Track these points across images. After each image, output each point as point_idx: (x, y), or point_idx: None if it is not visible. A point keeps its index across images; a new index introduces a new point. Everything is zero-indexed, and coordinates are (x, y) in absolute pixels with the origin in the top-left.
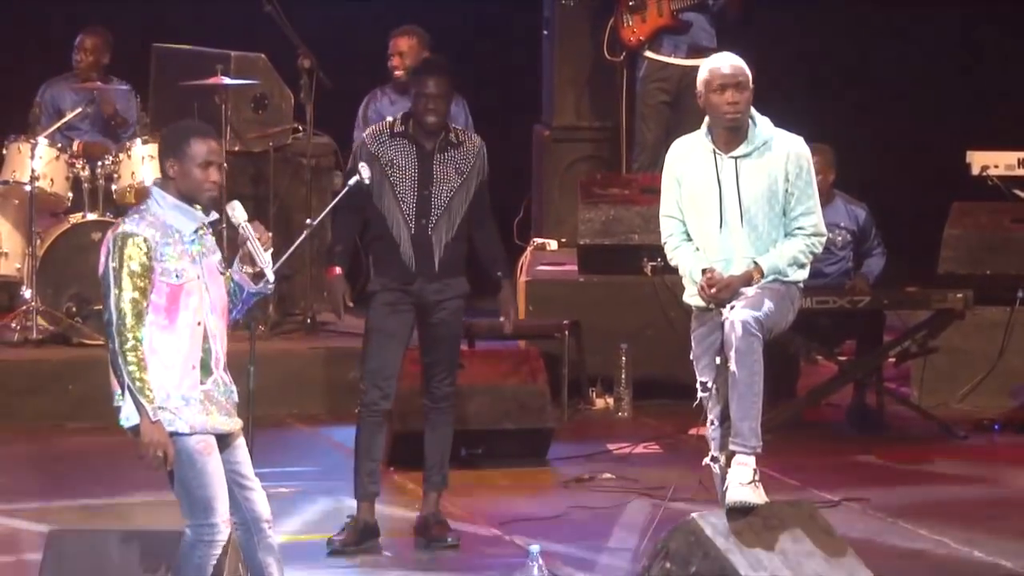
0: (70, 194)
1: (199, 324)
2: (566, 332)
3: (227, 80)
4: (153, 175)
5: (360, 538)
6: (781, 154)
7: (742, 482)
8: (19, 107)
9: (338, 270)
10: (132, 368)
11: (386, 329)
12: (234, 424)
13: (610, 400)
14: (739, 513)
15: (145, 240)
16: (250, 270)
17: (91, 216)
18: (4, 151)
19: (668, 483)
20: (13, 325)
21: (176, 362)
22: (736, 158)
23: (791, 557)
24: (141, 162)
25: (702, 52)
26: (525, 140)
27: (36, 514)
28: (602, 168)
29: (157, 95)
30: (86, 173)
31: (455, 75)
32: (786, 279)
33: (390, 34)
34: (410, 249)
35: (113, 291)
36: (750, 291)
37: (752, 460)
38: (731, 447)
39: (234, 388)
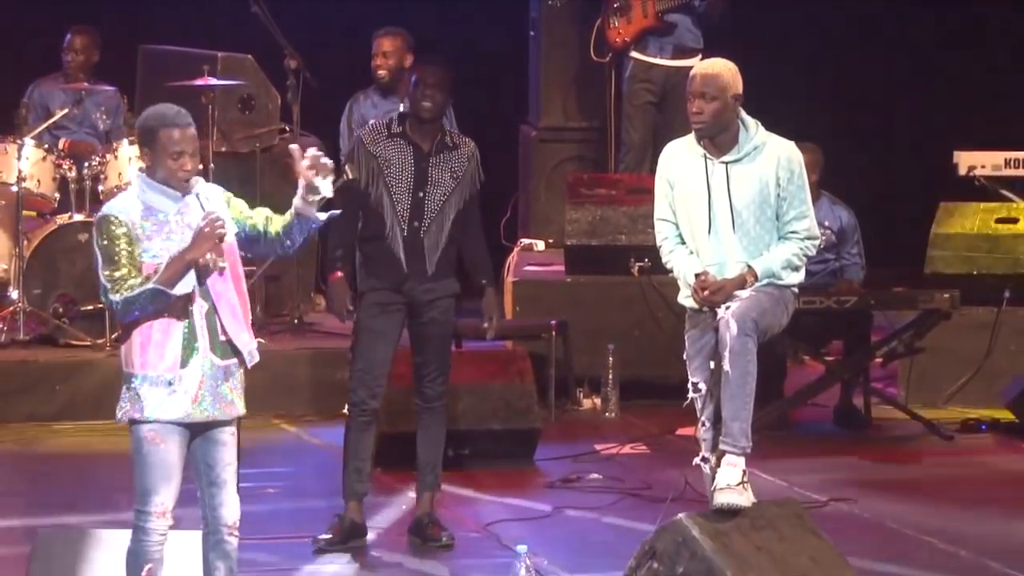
0: (57, 195)
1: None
2: (553, 332)
3: (214, 81)
4: None
5: (345, 537)
6: (772, 159)
7: (730, 484)
8: (4, 107)
9: (339, 274)
10: (134, 292)
11: (376, 328)
12: (218, 413)
13: (597, 400)
14: (726, 514)
15: (120, 220)
16: (315, 193)
17: (78, 217)
18: None
19: (654, 483)
20: (0, 326)
21: (153, 342)
22: (727, 163)
23: (778, 558)
24: (128, 163)
25: (687, 53)
26: (512, 140)
27: (23, 515)
28: (589, 168)
29: (144, 96)
30: (73, 174)
31: (454, 73)
32: (780, 282)
33: (374, 35)
34: (402, 252)
35: (103, 266)
36: (744, 294)
37: (741, 461)
38: (721, 447)
39: (237, 372)
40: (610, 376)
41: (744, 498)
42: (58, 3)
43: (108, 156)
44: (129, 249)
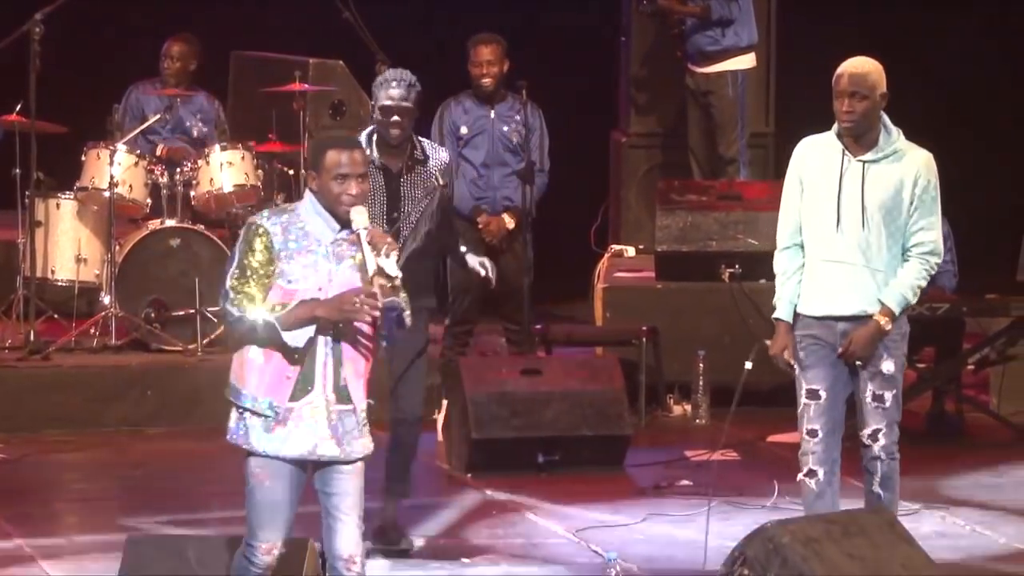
0: (149, 200)
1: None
2: (644, 339)
3: (305, 86)
4: (232, 182)
5: (387, 542)
6: (911, 166)
7: None
8: (97, 114)
9: None
10: (250, 315)
11: None
12: (329, 452)
13: (687, 407)
14: (818, 520)
15: (268, 232)
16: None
17: (169, 222)
18: (83, 157)
19: (745, 490)
20: (92, 331)
21: (271, 366)
22: (864, 162)
23: (870, 565)
24: (220, 168)
25: (710, 58)
26: (602, 146)
27: (114, 520)
28: (679, 174)
29: (236, 101)
30: (165, 179)
31: (420, 91)
32: (905, 306)
33: (470, 41)
34: None
35: (232, 270)
36: (884, 365)
37: None
38: None
39: (359, 416)
40: (700, 382)
41: None
42: (149, 9)
43: (200, 162)
44: (263, 264)
